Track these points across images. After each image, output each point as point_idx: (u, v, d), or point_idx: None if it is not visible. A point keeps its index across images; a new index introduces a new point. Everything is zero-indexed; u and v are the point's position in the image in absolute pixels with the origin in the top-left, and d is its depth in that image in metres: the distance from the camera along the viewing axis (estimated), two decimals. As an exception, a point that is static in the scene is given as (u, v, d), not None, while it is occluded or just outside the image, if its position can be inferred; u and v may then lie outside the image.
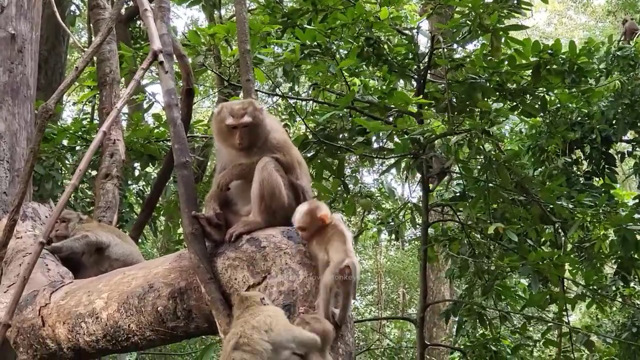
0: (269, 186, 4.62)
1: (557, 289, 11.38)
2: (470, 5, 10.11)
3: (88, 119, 12.39)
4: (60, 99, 5.35)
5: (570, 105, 11.89)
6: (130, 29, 15.99)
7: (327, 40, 10.53)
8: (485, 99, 10.61)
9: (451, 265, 12.72)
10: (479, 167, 10.92)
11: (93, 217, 7.57)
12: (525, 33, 11.66)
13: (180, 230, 12.26)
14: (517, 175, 10.74)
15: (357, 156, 12.24)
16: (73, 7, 16.19)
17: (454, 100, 10.80)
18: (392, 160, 11.13)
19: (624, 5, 26.56)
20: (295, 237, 4.47)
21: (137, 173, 11.28)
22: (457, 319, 12.43)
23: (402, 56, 11.00)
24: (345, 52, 10.97)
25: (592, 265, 11.73)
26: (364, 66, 11.21)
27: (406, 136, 10.13)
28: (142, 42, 14.31)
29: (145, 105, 12.40)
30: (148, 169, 11.44)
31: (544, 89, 11.06)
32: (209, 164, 15.86)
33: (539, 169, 12.32)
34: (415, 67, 11.06)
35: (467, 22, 10.34)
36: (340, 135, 11.02)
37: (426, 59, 10.99)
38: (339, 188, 11.46)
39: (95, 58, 8.76)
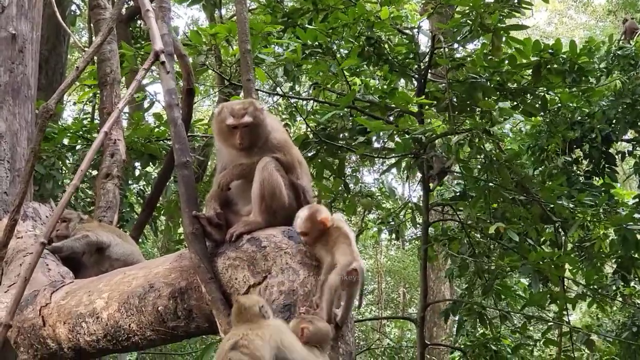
0: (270, 186, 4.63)
1: (557, 288, 11.38)
2: (471, 4, 10.11)
3: (89, 119, 12.39)
4: (60, 99, 5.35)
5: (570, 104, 11.88)
6: (130, 29, 15.98)
7: (328, 40, 10.53)
8: (488, 99, 10.60)
9: (451, 265, 12.72)
10: (479, 166, 10.91)
11: (94, 217, 7.58)
12: (525, 33, 11.66)
13: (180, 230, 12.26)
14: (518, 174, 10.74)
15: (358, 156, 12.23)
16: (73, 7, 16.20)
17: (455, 99, 10.80)
18: (393, 160, 11.13)
19: (624, 5, 26.55)
20: (295, 236, 4.47)
21: (137, 173, 11.28)
22: (457, 319, 12.44)
23: (402, 56, 11.00)
24: (346, 51, 10.97)
25: (593, 265, 11.73)
26: (364, 66, 11.21)
27: (407, 136, 10.12)
28: (143, 42, 14.31)
29: (145, 105, 12.41)
30: (148, 169, 11.44)
31: (545, 89, 11.05)
32: (209, 163, 15.86)
33: (539, 169, 12.31)
34: (416, 66, 11.05)
35: (468, 21, 10.33)
36: (341, 135, 11.02)
37: (427, 59, 10.98)
38: (340, 188, 11.45)
39: (95, 58, 8.76)
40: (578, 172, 12.70)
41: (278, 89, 11.79)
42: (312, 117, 11.27)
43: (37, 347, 5.31)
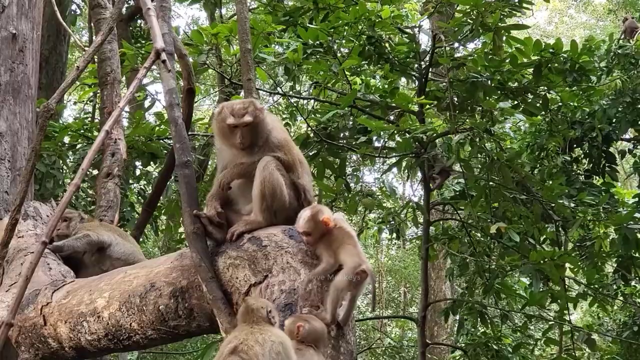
0: (270, 185, 4.63)
1: (558, 287, 11.37)
2: (472, 3, 10.11)
3: (89, 119, 12.39)
4: (61, 98, 5.35)
5: (571, 104, 11.88)
6: (131, 28, 15.98)
7: (329, 39, 10.53)
8: (489, 98, 10.60)
9: (451, 265, 12.71)
10: (480, 166, 10.91)
11: (94, 217, 7.58)
12: (526, 32, 11.64)
13: (181, 229, 12.25)
14: (519, 174, 10.74)
15: (358, 155, 12.23)
16: (74, 7, 16.21)
17: (456, 99, 10.79)
18: (394, 160, 11.13)
19: (624, 4, 26.51)
20: (296, 236, 4.47)
21: (138, 172, 11.28)
22: (458, 318, 12.44)
23: (403, 55, 11.00)
24: (347, 51, 10.96)
25: (594, 264, 11.72)
26: (365, 65, 11.20)
27: (408, 135, 10.12)
28: (143, 42, 14.31)
29: (146, 105, 12.41)
30: (149, 168, 11.44)
31: (546, 88, 11.05)
32: (210, 163, 15.86)
33: (539, 167, 12.31)
34: (417, 66, 11.05)
35: (469, 20, 10.33)
36: (342, 134, 11.01)
37: (428, 58, 10.98)
38: (341, 187, 11.45)
39: (96, 57, 8.76)
40: (578, 171, 12.69)
41: (278, 88, 11.79)
42: (313, 116, 11.27)
43: (38, 346, 5.31)
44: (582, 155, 12.78)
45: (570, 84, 11.09)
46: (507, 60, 10.61)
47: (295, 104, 12.13)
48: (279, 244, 4.47)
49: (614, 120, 12.18)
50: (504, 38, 10.41)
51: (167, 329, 4.82)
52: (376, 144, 11.41)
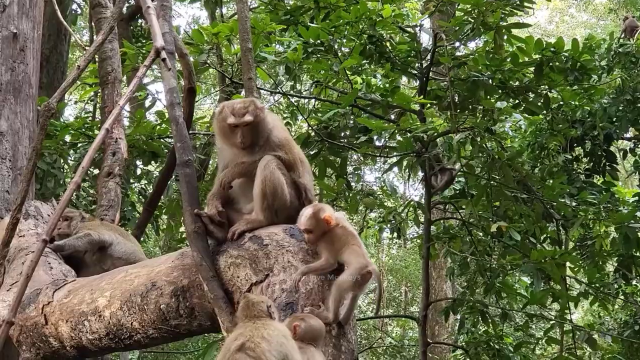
0: (271, 184, 4.63)
1: (559, 286, 11.37)
2: (472, 3, 10.11)
3: (90, 118, 12.39)
4: (62, 98, 5.35)
5: (572, 102, 11.87)
6: (131, 27, 15.99)
7: (330, 39, 10.53)
8: (489, 97, 10.60)
9: (451, 264, 12.71)
10: (481, 165, 10.90)
11: (95, 216, 7.59)
12: (526, 31, 11.62)
13: (182, 228, 12.27)
14: (520, 173, 10.73)
15: (359, 154, 12.23)
16: (74, 6, 16.21)
17: (457, 98, 10.79)
18: (395, 159, 11.12)
19: (625, 3, 26.49)
20: (297, 235, 4.47)
21: (139, 171, 11.28)
22: (459, 317, 12.43)
23: (404, 54, 10.99)
24: (348, 50, 10.96)
25: (595, 263, 11.72)
26: (366, 64, 11.20)
27: (409, 134, 10.12)
28: (144, 41, 14.30)
29: (147, 104, 12.41)
30: (150, 167, 11.43)
31: (547, 87, 11.04)
32: (210, 162, 15.86)
33: (539, 166, 12.30)
34: (418, 64, 11.05)
35: (470, 19, 10.33)
36: (343, 133, 11.01)
37: (429, 57, 10.97)
38: (342, 186, 11.45)
39: (97, 57, 8.77)
40: (578, 170, 12.69)
41: (279, 87, 11.79)
42: (314, 115, 11.27)
43: (39, 345, 5.32)
44: (583, 154, 12.77)
45: (571, 83, 11.08)
46: (508, 60, 10.60)
47: (296, 103, 12.13)
48: (280, 243, 4.47)
49: (614, 119, 12.17)
50: (505, 37, 10.40)
51: (168, 328, 4.82)
52: (377, 143, 11.41)
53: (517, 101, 11.02)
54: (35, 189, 8.04)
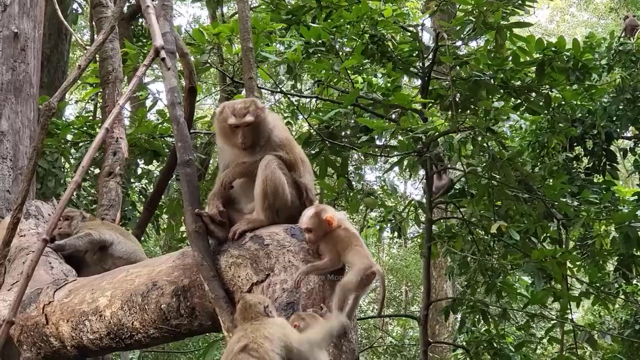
0: (272, 184, 4.63)
1: (559, 286, 11.36)
2: (473, 3, 10.11)
3: (91, 117, 12.39)
4: (62, 97, 5.35)
5: (574, 102, 11.86)
6: (132, 27, 15.99)
7: (331, 38, 10.53)
8: (491, 97, 10.59)
9: (451, 263, 12.70)
10: (482, 164, 10.89)
11: (96, 215, 7.59)
12: (527, 30, 11.61)
13: (183, 228, 12.27)
14: (521, 172, 10.73)
15: (360, 153, 12.23)
16: (75, 5, 16.20)
17: (459, 97, 10.78)
18: (395, 158, 11.12)
19: (626, 2, 26.49)
20: (298, 234, 4.47)
21: (139, 171, 11.29)
22: (459, 317, 12.42)
23: (406, 53, 10.99)
24: (349, 49, 10.96)
25: (595, 263, 11.71)
26: (367, 64, 11.20)
27: (410, 134, 10.11)
28: (145, 40, 14.31)
29: (147, 104, 12.41)
30: (150, 167, 11.44)
31: (548, 87, 11.04)
32: (211, 161, 15.86)
33: (539, 165, 12.29)
34: (420, 64, 11.04)
35: (471, 19, 10.33)
36: (344, 133, 11.01)
37: (430, 56, 10.97)
38: (343, 186, 11.45)
39: (97, 56, 8.77)
40: (578, 169, 12.68)
41: (279, 87, 11.78)
42: (315, 115, 11.27)
43: (40, 345, 5.32)
44: (583, 154, 12.76)
45: (573, 83, 11.07)
46: (510, 59, 10.60)
47: (296, 103, 12.12)
48: (281, 243, 4.47)
49: (614, 118, 12.16)
50: (507, 36, 10.39)
51: (169, 328, 4.82)
52: (378, 143, 11.40)
53: (518, 101, 11.01)
54: (36, 188, 8.04)
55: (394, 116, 11.08)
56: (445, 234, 11.79)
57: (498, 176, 10.54)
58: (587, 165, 12.77)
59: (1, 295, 5.61)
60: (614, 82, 12.43)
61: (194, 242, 4.60)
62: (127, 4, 14.94)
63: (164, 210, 11.70)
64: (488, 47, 10.75)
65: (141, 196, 11.59)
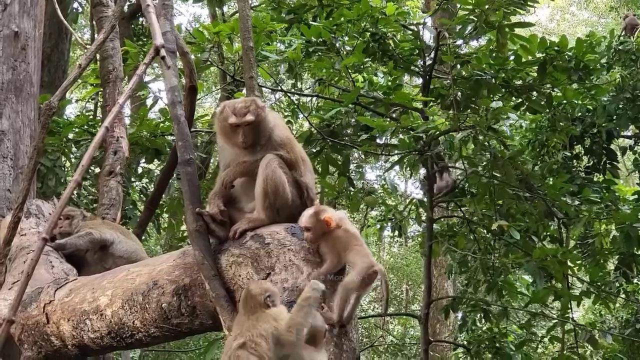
0: (273, 183, 4.63)
1: (560, 285, 11.35)
2: (475, 2, 10.11)
3: (91, 117, 12.38)
4: (63, 96, 5.35)
5: (575, 101, 11.85)
6: (133, 26, 15.99)
7: (332, 37, 10.53)
8: (492, 96, 10.59)
9: (451, 262, 12.69)
10: (483, 163, 10.89)
11: (97, 214, 7.59)
12: (528, 29, 11.59)
13: (183, 227, 12.27)
14: (522, 172, 10.72)
15: (361, 152, 12.22)
16: (76, 5, 16.20)
17: (460, 94, 10.78)
18: (396, 157, 11.11)
19: (626, 1, 26.46)
20: (299, 233, 4.48)
21: (140, 170, 11.29)
22: (460, 315, 12.41)
23: (407, 52, 10.99)
24: (350, 48, 10.96)
25: (596, 262, 11.71)
26: (368, 62, 11.19)
27: (412, 133, 10.11)
28: (145, 39, 14.30)
29: (148, 103, 12.41)
30: (151, 166, 11.43)
31: (550, 86, 11.03)
32: (212, 160, 15.86)
33: (539, 164, 12.28)
34: (421, 63, 11.04)
35: (473, 18, 10.32)
36: (345, 131, 11.01)
37: (432, 55, 10.96)
38: (344, 185, 11.45)
39: (98, 55, 8.77)
40: (578, 168, 12.66)
41: (280, 86, 11.78)
42: (316, 113, 11.27)
43: (41, 344, 5.33)
44: (583, 152, 12.74)
45: (574, 82, 11.06)
46: (512, 58, 10.59)
47: (297, 102, 12.12)
48: (282, 242, 4.47)
49: (614, 117, 12.15)
50: (508, 36, 10.39)
51: (169, 327, 4.83)
52: (379, 141, 11.40)
53: (520, 100, 11.01)
54: (36, 187, 8.05)
55: (394, 115, 11.08)
56: (447, 232, 11.80)
57: (499, 175, 10.54)
58: (587, 164, 12.75)
59: (2, 294, 5.62)
60: (613, 81, 12.40)
61: (195, 241, 4.60)
62: (128, 3, 14.95)
63: (165, 210, 11.70)
64: (490, 47, 10.74)
65: (142, 195, 11.58)
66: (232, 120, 4.74)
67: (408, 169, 11.22)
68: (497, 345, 11.29)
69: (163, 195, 9.46)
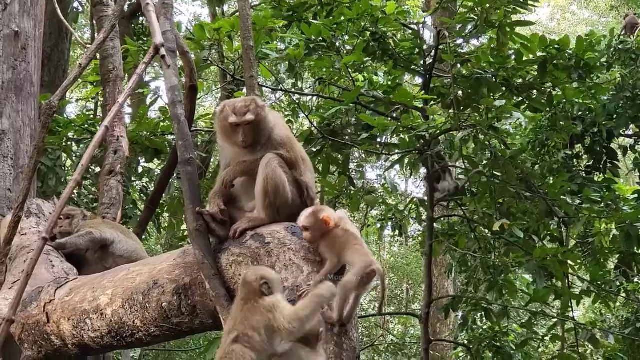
0: (273, 182, 4.63)
1: (560, 284, 11.36)
2: (475, 1, 10.11)
3: (92, 116, 12.39)
4: (63, 96, 5.36)
5: (576, 100, 11.85)
6: (133, 25, 16.00)
7: (332, 35, 10.52)
8: (493, 95, 10.58)
9: (451, 261, 12.70)
10: (484, 162, 10.89)
11: (97, 214, 7.59)
12: (528, 28, 11.60)
13: (184, 226, 12.27)
14: (523, 171, 10.72)
15: (362, 151, 12.23)
16: (76, 4, 16.20)
17: (460, 93, 10.78)
18: (396, 156, 11.12)
19: (627, 0, 26.46)
20: (299, 233, 4.47)
21: (140, 169, 11.29)
22: (460, 315, 12.41)
23: (407, 51, 10.99)
24: (350, 47, 10.96)
25: (597, 261, 11.71)
26: (368, 62, 11.19)
27: (412, 132, 10.11)
28: (145, 39, 14.29)
29: (148, 101, 12.40)
30: (151, 165, 11.43)
31: (551, 85, 11.03)
32: (212, 160, 15.87)
33: (539, 164, 12.28)
34: (422, 62, 11.04)
35: (473, 17, 10.32)
36: (345, 131, 11.01)
37: (432, 54, 10.96)
38: (344, 184, 11.45)
39: (98, 55, 8.77)
40: (579, 167, 12.65)
41: (280, 85, 11.78)
42: (317, 112, 11.27)
43: (41, 343, 5.33)
44: (583, 152, 12.74)
45: (575, 81, 11.06)
46: (512, 57, 10.59)
47: (297, 101, 12.12)
48: (282, 241, 4.47)
49: (614, 116, 12.14)
50: (509, 35, 10.39)
51: (170, 326, 4.83)
52: (379, 140, 11.39)
53: (520, 99, 11.01)
54: (37, 187, 8.05)
55: (395, 114, 11.08)
56: (447, 231, 11.80)
57: (499, 174, 10.54)
58: (587, 164, 12.74)
59: (2, 294, 5.62)
60: (613, 80, 12.40)
61: (195, 241, 4.60)
62: (128, 2, 14.94)
63: (165, 209, 11.71)
64: (492, 45, 10.73)
65: (142, 195, 11.59)
66: (232, 119, 4.74)
67: (408, 168, 11.22)
68: (498, 344, 11.30)
69: (163, 195, 9.46)
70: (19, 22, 7.36)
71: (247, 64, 8.37)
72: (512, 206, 10.99)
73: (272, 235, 4.51)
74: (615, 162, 12.54)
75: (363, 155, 16.49)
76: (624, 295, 12.60)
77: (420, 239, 16.63)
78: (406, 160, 10.92)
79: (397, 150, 11.02)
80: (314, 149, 10.72)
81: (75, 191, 9.90)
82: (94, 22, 11.77)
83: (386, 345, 22.13)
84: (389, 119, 10.88)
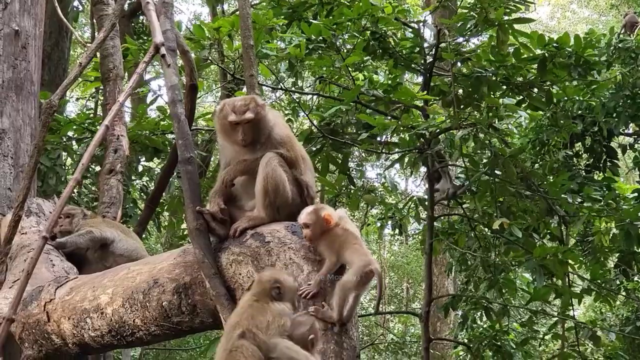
0: (273, 181, 4.63)
1: (560, 282, 11.36)
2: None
3: (92, 115, 12.39)
4: (63, 95, 5.36)
5: (576, 98, 11.85)
6: (133, 24, 15.99)
7: (332, 35, 10.52)
8: (493, 93, 10.58)
9: (451, 260, 12.71)
10: (484, 161, 10.89)
11: (97, 213, 7.59)
12: (528, 27, 11.60)
13: (184, 225, 12.27)
14: (523, 169, 10.72)
15: (361, 150, 12.23)
16: (76, 3, 16.19)
17: (461, 91, 10.78)
18: (396, 155, 11.12)
19: (627, -1, 26.45)
20: (299, 232, 4.47)
21: (140, 168, 11.29)
22: (460, 313, 12.42)
23: (408, 50, 10.98)
24: (350, 46, 10.95)
25: (597, 260, 11.71)
26: (368, 61, 11.18)
27: (413, 131, 10.11)
28: (145, 38, 14.30)
29: (148, 100, 12.41)
30: (151, 164, 11.43)
31: (550, 83, 11.02)
32: (212, 159, 15.87)
33: (540, 162, 12.28)
34: (422, 60, 11.03)
35: (473, 15, 10.32)
36: (345, 130, 11.00)
37: (432, 52, 10.96)
38: (343, 183, 11.45)
39: (98, 54, 8.77)
40: (579, 166, 12.65)
41: (281, 84, 11.78)
42: (317, 111, 11.26)
43: (41, 342, 5.33)
44: (583, 150, 12.74)
45: (575, 79, 11.06)
46: (512, 55, 10.59)
47: (297, 100, 12.12)
48: (282, 240, 4.47)
49: (613, 115, 12.13)
50: (509, 33, 10.39)
51: (170, 325, 4.83)
52: (379, 139, 11.39)
53: (520, 97, 11.01)
54: (37, 186, 8.05)
55: (395, 113, 11.08)
56: (447, 230, 11.80)
57: (500, 173, 10.54)
58: (587, 162, 12.73)
59: (3, 293, 5.62)
60: (613, 79, 12.40)
61: (195, 240, 4.60)
62: (128, 1, 14.94)
63: (165, 208, 11.71)
64: (492, 43, 10.73)
65: (142, 194, 11.59)
66: (231, 118, 4.74)
67: (408, 167, 11.22)
68: (498, 343, 11.30)
69: (163, 194, 9.47)
70: (19, 21, 7.36)
71: (247, 62, 8.36)
72: (512, 205, 10.99)
73: (272, 234, 4.52)
74: (615, 161, 12.54)
75: (363, 154, 16.48)
76: (623, 294, 12.60)
77: (420, 237, 16.62)
78: (406, 159, 10.92)
79: (397, 149, 11.02)
80: (314, 148, 10.72)
81: (75, 190, 9.90)
82: (94, 21, 11.76)
83: (386, 344, 22.15)
84: (389, 118, 10.88)
